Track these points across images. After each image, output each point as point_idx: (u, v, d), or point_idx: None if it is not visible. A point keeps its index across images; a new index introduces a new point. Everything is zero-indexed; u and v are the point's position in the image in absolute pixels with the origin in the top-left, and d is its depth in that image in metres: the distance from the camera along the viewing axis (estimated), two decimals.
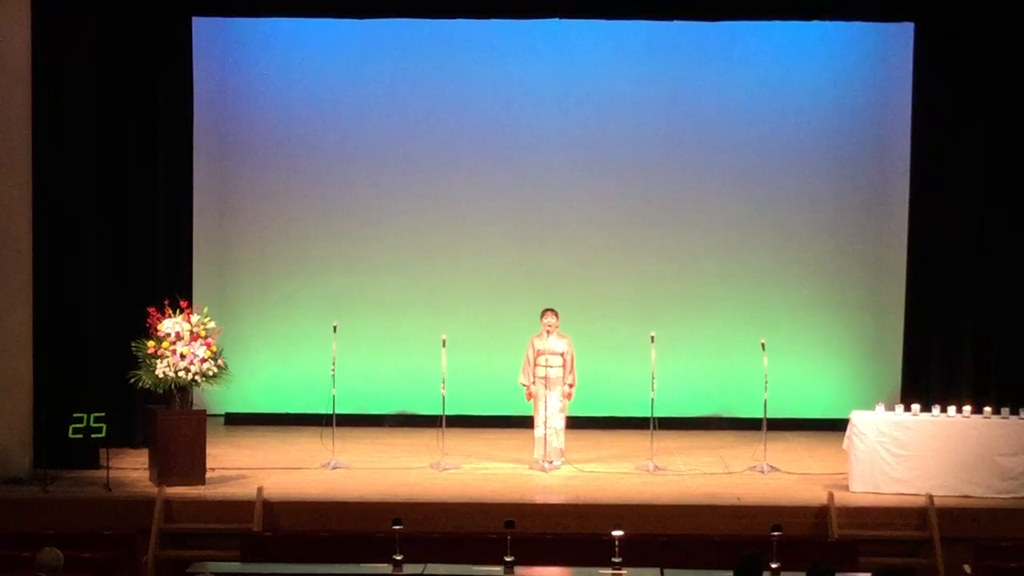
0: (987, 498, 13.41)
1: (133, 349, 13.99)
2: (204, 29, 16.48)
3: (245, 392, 16.63)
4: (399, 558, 10.75)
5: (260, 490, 13.14)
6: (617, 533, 10.77)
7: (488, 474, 14.50)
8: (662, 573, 10.77)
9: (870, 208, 17.03)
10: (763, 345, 14.77)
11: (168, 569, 12.52)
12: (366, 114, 17.10)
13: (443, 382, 14.83)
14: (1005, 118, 15.60)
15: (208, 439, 14.01)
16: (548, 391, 14.67)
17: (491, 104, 17.08)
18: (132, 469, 14.33)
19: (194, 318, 13.94)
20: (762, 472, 14.50)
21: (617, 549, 10.73)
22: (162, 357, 13.68)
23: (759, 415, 14.88)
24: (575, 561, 11.18)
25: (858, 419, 13.75)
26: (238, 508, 13.02)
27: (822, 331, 17.03)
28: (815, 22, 16.19)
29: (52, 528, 11.84)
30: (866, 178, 17.03)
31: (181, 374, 13.67)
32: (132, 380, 14.03)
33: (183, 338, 13.75)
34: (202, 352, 13.73)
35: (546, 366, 14.67)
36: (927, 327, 15.98)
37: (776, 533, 10.71)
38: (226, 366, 13.99)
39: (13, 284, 14.25)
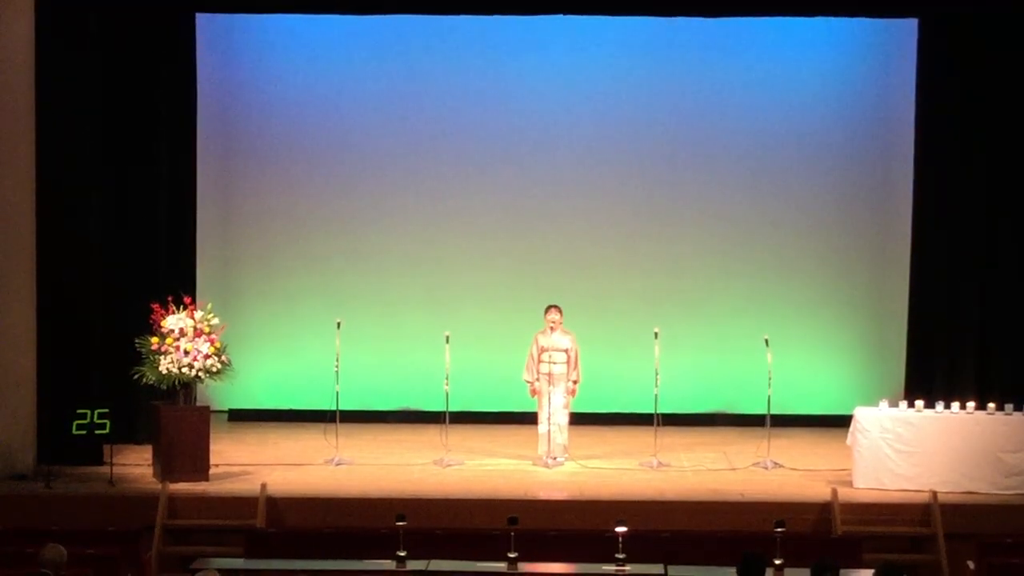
0: (991, 494, 13.40)
1: (137, 345, 14.00)
2: (207, 25, 16.47)
3: (248, 388, 16.62)
4: (402, 554, 10.75)
5: (264, 486, 13.15)
6: (621, 529, 10.78)
7: (492, 470, 14.51)
8: (666, 569, 10.79)
9: (874, 204, 17.01)
10: (767, 341, 14.76)
11: (172, 565, 12.53)
12: (370, 110, 17.08)
13: (447, 378, 14.83)
14: (1009, 115, 15.59)
15: (212, 435, 14.03)
16: (552, 387, 14.67)
17: (494, 100, 17.07)
18: (136, 465, 14.34)
19: (198, 314, 13.95)
20: (766, 468, 14.50)
21: (621, 545, 10.73)
22: (166, 353, 13.70)
23: (763, 411, 14.88)
24: (579, 557, 11.18)
25: (862, 415, 13.74)
26: (242, 504, 13.03)
27: (826, 327, 17.01)
28: (819, 18, 16.19)
29: (56, 524, 11.85)
30: (870, 174, 17.00)
31: (185, 370, 13.68)
32: (136, 376, 14.05)
33: (187, 334, 13.76)
34: (206, 348, 13.75)
35: (550, 362, 14.67)
36: (931, 323, 15.99)
37: (780, 529, 10.72)
38: (229, 362, 14.00)
39: (16, 280, 14.26)
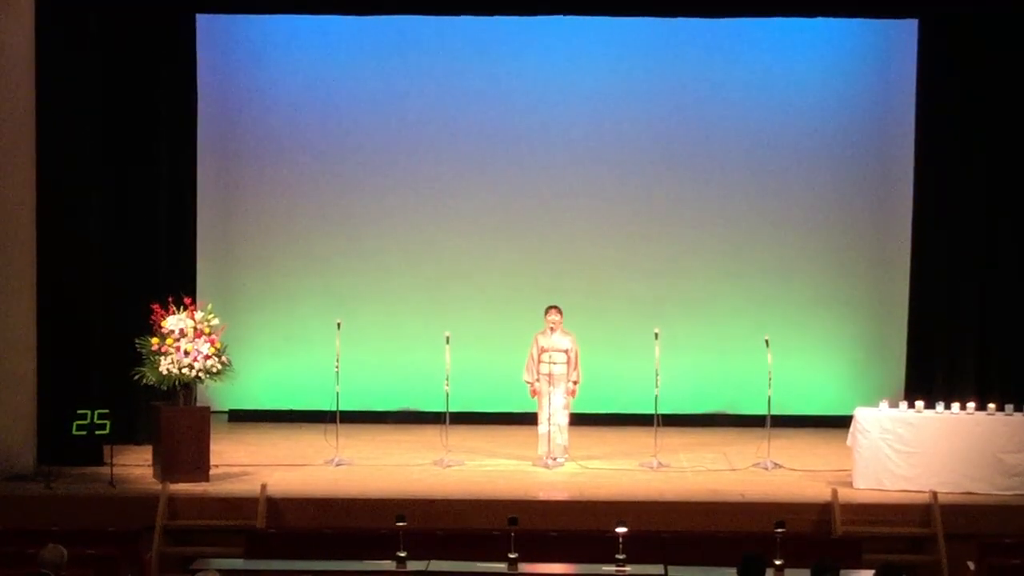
0: (991, 495, 13.40)
1: (137, 346, 14.00)
2: (207, 26, 16.47)
3: (249, 389, 16.62)
4: (403, 555, 10.76)
5: (264, 487, 13.15)
6: (621, 530, 10.78)
7: (492, 471, 14.50)
8: (666, 570, 10.79)
9: (874, 205, 17.01)
10: (767, 342, 14.76)
11: (172, 565, 12.52)
12: (370, 111, 17.08)
13: (447, 379, 14.82)
14: (1009, 115, 15.61)
15: (212, 436, 14.02)
16: (552, 388, 14.67)
17: (494, 101, 17.06)
18: (136, 466, 14.34)
19: (198, 315, 13.95)
20: (766, 469, 14.50)
21: (621, 546, 10.74)
22: (166, 354, 13.69)
23: (763, 412, 14.88)
24: (579, 558, 11.18)
25: (862, 416, 13.75)
26: (242, 505, 13.03)
27: (826, 328, 17.01)
28: (819, 19, 16.19)
29: (56, 525, 11.83)
30: (870, 175, 17.00)
31: (185, 371, 13.68)
32: (136, 377, 14.05)
33: (187, 335, 13.76)
34: (206, 349, 13.75)
35: (550, 363, 14.67)
36: (931, 324, 16.00)
37: (780, 530, 10.72)
38: (230, 363, 14.00)
39: (17, 281, 14.25)
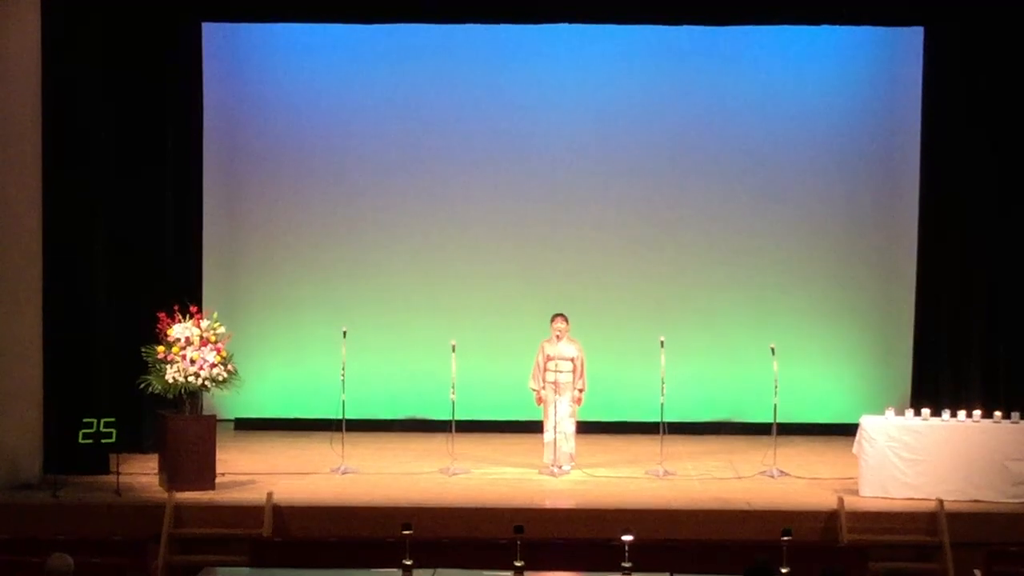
0: (997, 503, 13.40)
1: (143, 354, 14.00)
2: (214, 34, 16.51)
3: (255, 397, 16.63)
4: (408, 563, 10.72)
5: (270, 495, 13.16)
6: (627, 538, 10.75)
7: (497, 479, 14.51)
8: None
9: (880, 212, 17.02)
10: (773, 350, 14.75)
11: (178, 574, 12.54)
12: (375, 119, 17.11)
13: (453, 387, 14.82)
14: (1015, 122, 15.60)
15: (218, 444, 14.02)
16: (558, 396, 14.67)
17: (500, 109, 17.09)
18: (142, 474, 14.35)
19: (204, 323, 13.96)
20: (772, 477, 14.49)
21: (627, 554, 10.70)
22: (172, 362, 13.71)
23: (769, 420, 14.88)
24: (584, 566, 11.18)
25: (868, 424, 13.75)
26: (248, 513, 13.04)
27: (832, 336, 17.01)
28: (825, 27, 16.19)
29: (62, 533, 11.87)
30: (876, 182, 17.01)
31: (191, 379, 13.69)
32: (142, 385, 14.05)
33: (193, 343, 13.77)
34: (212, 357, 13.76)
35: (556, 371, 14.67)
36: (937, 332, 15.98)
37: (786, 538, 10.69)
38: (236, 371, 14.01)
39: (23, 289, 14.27)
